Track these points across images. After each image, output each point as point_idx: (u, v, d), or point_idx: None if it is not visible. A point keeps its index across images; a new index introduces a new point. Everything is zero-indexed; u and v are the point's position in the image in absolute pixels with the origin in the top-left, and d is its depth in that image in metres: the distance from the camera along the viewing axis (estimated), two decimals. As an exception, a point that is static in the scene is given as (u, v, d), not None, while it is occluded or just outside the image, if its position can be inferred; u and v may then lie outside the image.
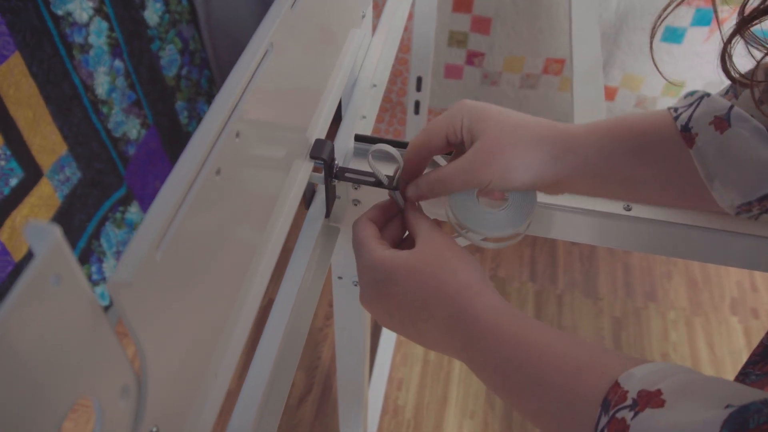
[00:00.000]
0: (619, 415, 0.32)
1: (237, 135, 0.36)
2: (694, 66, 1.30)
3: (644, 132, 0.46)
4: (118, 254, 1.32)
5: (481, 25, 1.36)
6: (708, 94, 0.46)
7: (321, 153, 0.51)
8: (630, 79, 1.35)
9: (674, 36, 1.30)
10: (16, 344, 0.21)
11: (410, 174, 0.50)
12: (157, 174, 1.41)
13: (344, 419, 0.96)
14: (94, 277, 1.21)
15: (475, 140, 0.46)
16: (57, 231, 0.22)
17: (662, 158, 0.46)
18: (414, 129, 1.24)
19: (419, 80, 1.10)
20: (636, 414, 0.31)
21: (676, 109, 0.47)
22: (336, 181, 0.54)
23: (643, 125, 0.46)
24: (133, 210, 1.33)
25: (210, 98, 1.60)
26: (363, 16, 0.65)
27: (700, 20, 1.28)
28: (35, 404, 0.23)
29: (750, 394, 0.30)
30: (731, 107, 0.44)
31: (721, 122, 0.44)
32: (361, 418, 0.93)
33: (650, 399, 0.31)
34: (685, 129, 0.45)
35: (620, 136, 0.46)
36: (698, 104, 0.46)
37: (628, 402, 0.32)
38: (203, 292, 0.36)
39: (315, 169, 0.54)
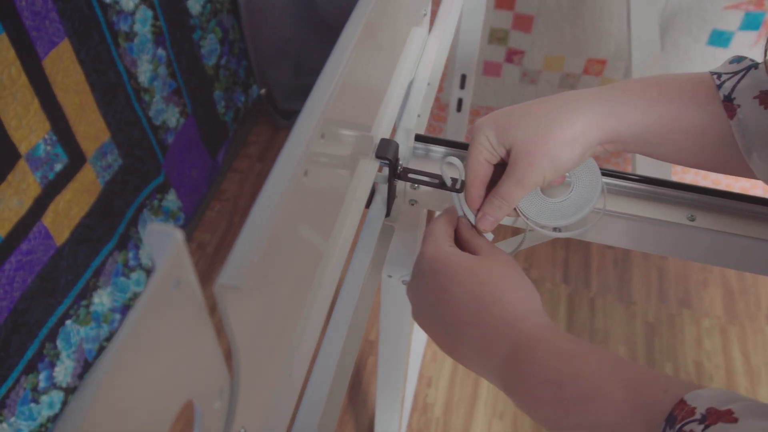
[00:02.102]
0: (686, 428, 0.31)
1: (322, 136, 0.36)
2: (742, 71, 1.27)
3: (682, 95, 0.45)
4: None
5: (523, 22, 1.34)
6: (756, 65, 0.45)
7: (386, 153, 0.51)
8: (674, 82, 1.33)
9: (720, 40, 1.28)
10: (143, 348, 0.21)
11: (478, 202, 0.50)
12: (194, 163, 1.41)
13: (380, 415, 0.96)
14: (131, 263, 1.22)
15: (510, 149, 0.46)
16: (179, 235, 0.22)
17: (700, 125, 0.45)
18: (455, 127, 1.24)
19: (463, 78, 1.09)
20: (707, 427, 0.30)
21: (719, 75, 0.46)
22: (397, 180, 0.54)
23: (684, 88, 0.45)
24: (170, 198, 1.34)
25: (246, 88, 1.60)
26: (424, 15, 0.64)
27: (749, 24, 1.25)
28: (150, 408, 0.23)
29: None
30: None
31: (767, 97, 0.43)
32: (398, 415, 0.93)
33: (721, 416, 0.31)
34: (728, 99, 0.44)
35: (660, 101, 0.45)
36: (744, 74, 0.45)
37: (697, 416, 0.31)
38: (285, 292, 0.35)
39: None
